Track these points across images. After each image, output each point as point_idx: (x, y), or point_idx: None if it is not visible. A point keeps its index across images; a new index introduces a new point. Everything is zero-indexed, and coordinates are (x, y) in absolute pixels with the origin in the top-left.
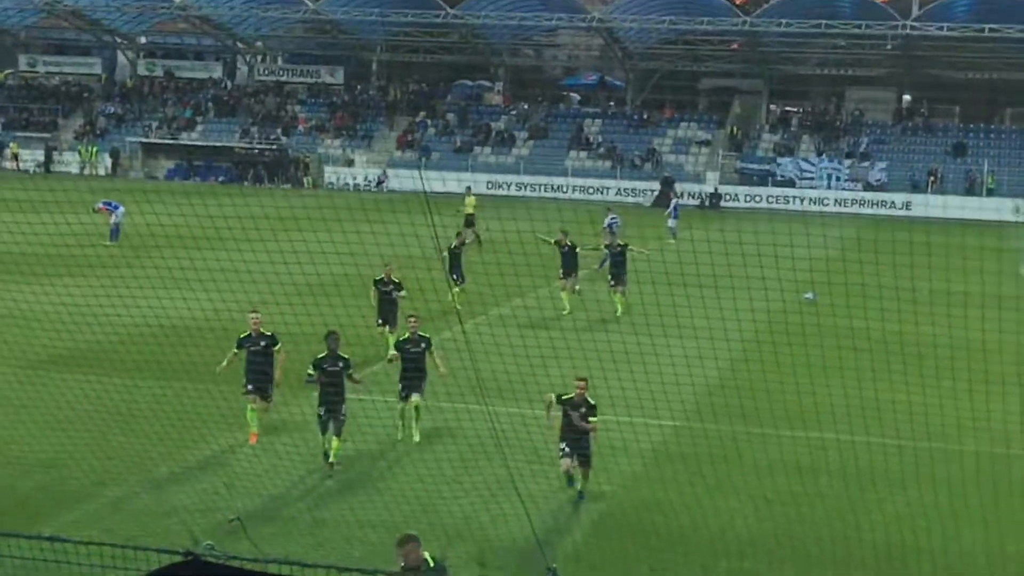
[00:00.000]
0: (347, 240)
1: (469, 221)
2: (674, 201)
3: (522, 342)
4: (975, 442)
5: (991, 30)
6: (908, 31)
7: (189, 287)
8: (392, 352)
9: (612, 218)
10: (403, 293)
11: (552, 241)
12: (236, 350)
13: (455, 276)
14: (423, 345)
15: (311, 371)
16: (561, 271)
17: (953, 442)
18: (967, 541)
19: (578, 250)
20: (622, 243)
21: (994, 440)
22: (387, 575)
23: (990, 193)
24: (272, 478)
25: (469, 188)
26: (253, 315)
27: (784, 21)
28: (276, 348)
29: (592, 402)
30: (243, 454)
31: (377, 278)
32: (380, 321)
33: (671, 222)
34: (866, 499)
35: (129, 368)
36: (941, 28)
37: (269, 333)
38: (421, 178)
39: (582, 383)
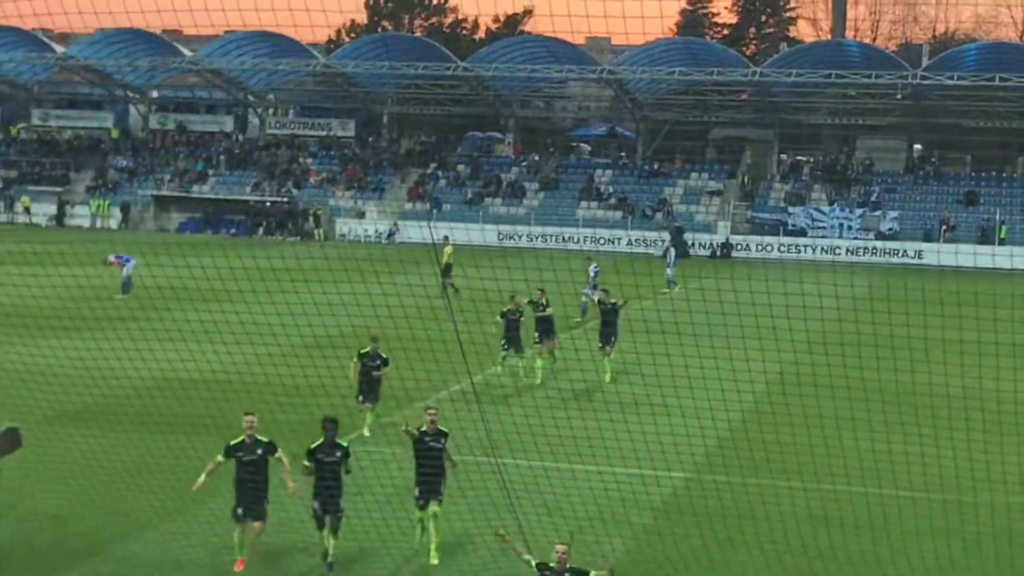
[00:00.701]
0: (355, 293)
1: (446, 271)
2: (671, 249)
3: (531, 395)
4: (990, 494)
5: (1001, 79)
6: (918, 80)
7: (198, 341)
8: (367, 429)
9: (595, 268)
10: (387, 370)
11: (500, 314)
12: (222, 459)
13: (509, 346)
14: (442, 441)
15: (306, 462)
16: (536, 334)
17: (968, 494)
18: None
19: (549, 310)
20: (615, 300)
21: (1009, 491)
22: None
23: (1002, 243)
24: (274, 538)
25: (447, 238)
26: (248, 418)
27: (794, 71)
28: (276, 456)
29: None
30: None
31: (363, 351)
32: (360, 398)
33: (669, 271)
34: (879, 552)
35: (139, 423)
36: (951, 77)
37: (266, 440)
38: (431, 228)
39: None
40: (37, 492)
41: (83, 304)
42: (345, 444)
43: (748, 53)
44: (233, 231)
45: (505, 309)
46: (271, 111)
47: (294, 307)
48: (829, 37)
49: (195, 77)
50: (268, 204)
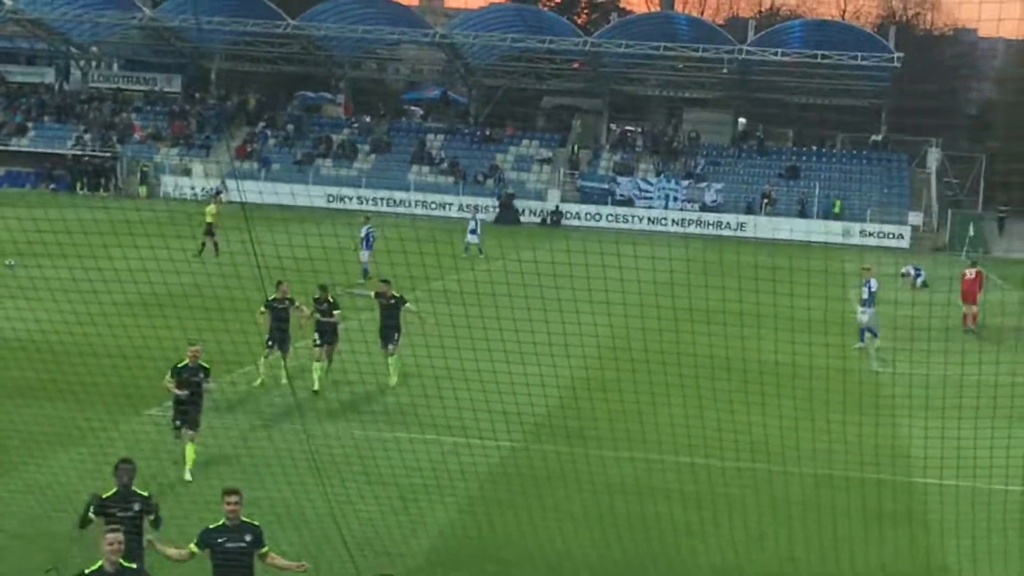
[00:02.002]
0: (182, 252)
1: (209, 230)
2: (476, 216)
3: (355, 361)
4: (799, 464)
5: (823, 56)
6: (744, 55)
7: (15, 299)
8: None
9: (369, 229)
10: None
11: (264, 304)
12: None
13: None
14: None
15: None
16: (316, 337)
17: (778, 463)
18: (802, 564)
19: (336, 314)
20: (397, 294)
21: (817, 463)
22: None
23: (836, 218)
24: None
25: (218, 194)
26: (193, 347)
27: (624, 42)
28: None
29: (207, 365)
30: (65, 477)
31: (271, 298)
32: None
33: (471, 237)
34: (695, 521)
35: None
36: (776, 53)
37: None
38: (239, 191)
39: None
40: None
41: None
42: (145, 494)
43: (580, 23)
44: (53, 186)
45: (271, 298)
46: (94, 64)
47: (117, 264)
48: (659, 9)
49: (15, 26)
50: (87, 159)
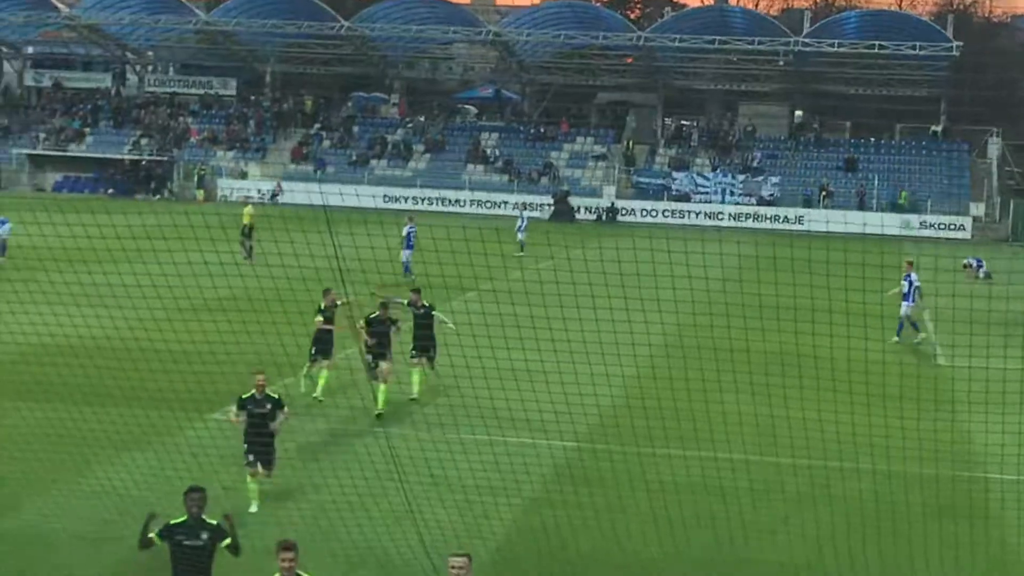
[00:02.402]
0: (234, 253)
1: (246, 231)
2: (523, 214)
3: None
4: (872, 460)
5: (880, 47)
6: (799, 47)
7: (77, 305)
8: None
9: (411, 228)
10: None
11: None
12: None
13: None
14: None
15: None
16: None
17: (849, 459)
18: (873, 560)
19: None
20: (427, 303)
21: (891, 459)
22: None
23: (902, 209)
24: (171, 507)
25: (249, 199)
26: (259, 376)
27: (678, 36)
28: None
29: (276, 396)
30: (131, 481)
31: (322, 306)
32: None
33: (520, 235)
34: (766, 519)
35: (13, 392)
36: (832, 45)
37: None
38: (320, 192)
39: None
40: None
41: None
42: (214, 522)
43: (633, 17)
44: (111, 190)
45: (322, 306)
46: (150, 68)
47: (180, 268)
48: (713, 2)
49: (71, 32)
50: (145, 163)
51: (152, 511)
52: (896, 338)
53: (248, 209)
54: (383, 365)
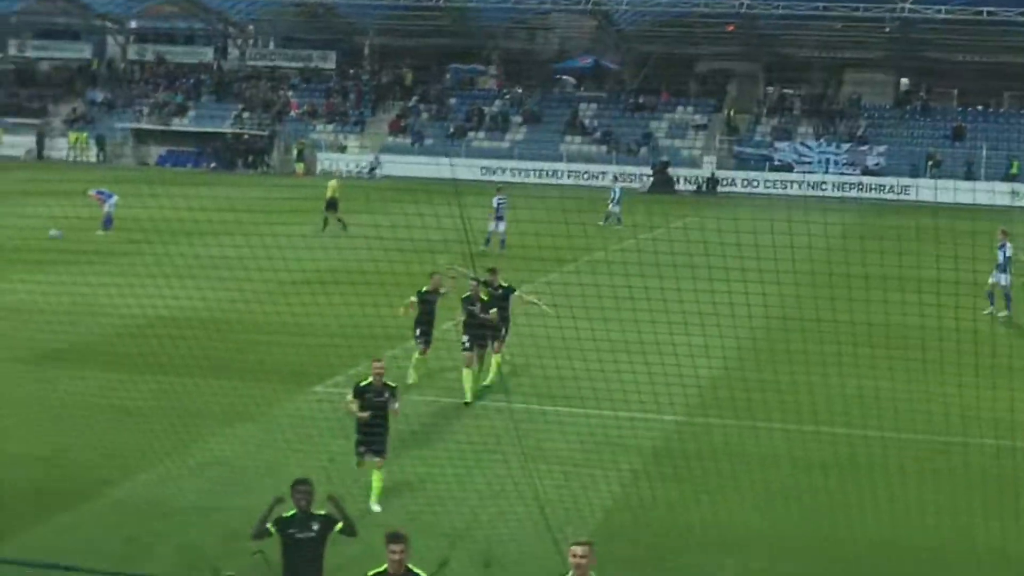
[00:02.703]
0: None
1: (331, 205)
2: (618, 186)
3: (529, 331)
4: (980, 434)
5: (988, 13)
6: (906, 14)
7: (182, 277)
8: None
9: (500, 199)
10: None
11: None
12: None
13: (421, 336)
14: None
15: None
16: (465, 337)
17: (957, 434)
18: (980, 537)
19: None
20: (505, 284)
21: (999, 432)
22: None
23: (1013, 179)
24: (275, 478)
25: (331, 173)
26: (377, 363)
27: (781, 3)
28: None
29: (393, 384)
30: (240, 450)
31: (423, 290)
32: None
33: (613, 207)
34: (867, 495)
35: (125, 363)
36: (939, 11)
37: (393, 384)
38: (451, 164)
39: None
40: (25, 434)
41: (67, 239)
42: (322, 513)
43: None
44: (213, 164)
45: (423, 289)
46: (251, 42)
47: (280, 241)
48: None
49: (173, 7)
50: (247, 137)
51: (280, 496)
52: (991, 309)
53: (332, 183)
54: (477, 351)
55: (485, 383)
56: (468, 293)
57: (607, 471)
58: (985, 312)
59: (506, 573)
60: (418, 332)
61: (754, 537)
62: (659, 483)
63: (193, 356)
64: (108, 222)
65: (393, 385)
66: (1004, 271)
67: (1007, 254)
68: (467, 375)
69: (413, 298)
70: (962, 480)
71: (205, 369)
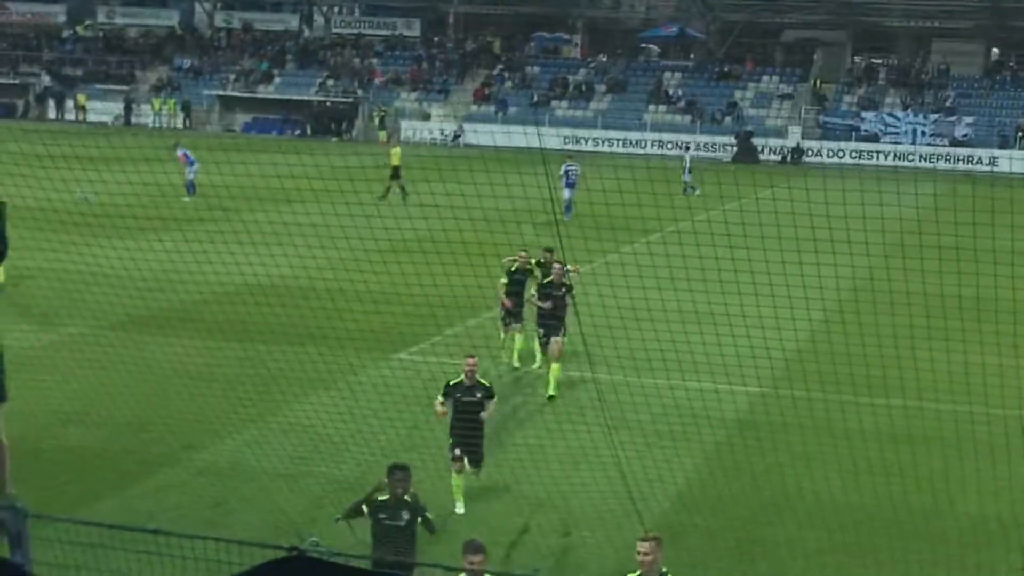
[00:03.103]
0: (421, 196)
1: (395, 174)
2: (687, 155)
3: (601, 302)
4: None
5: None
6: None
7: (268, 244)
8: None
9: (569, 166)
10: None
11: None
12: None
13: (509, 319)
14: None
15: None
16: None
17: None
18: None
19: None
20: (566, 281)
21: None
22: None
23: None
24: (359, 445)
25: (396, 140)
26: (470, 360)
27: None
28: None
29: (487, 383)
30: (324, 417)
31: (512, 269)
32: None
33: (685, 177)
34: (957, 470)
35: (213, 329)
36: None
37: (486, 383)
38: (538, 135)
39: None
40: (112, 398)
41: (150, 206)
42: (416, 502)
43: None
44: (298, 132)
45: (513, 267)
46: (336, 9)
47: (364, 210)
48: None
49: None
50: (331, 105)
51: (382, 479)
52: None
53: (396, 150)
54: (555, 340)
55: (549, 393)
56: (550, 278)
57: (691, 442)
58: None
59: (586, 540)
60: (506, 314)
61: (838, 510)
62: (743, 454)
63: (278, 323)
64: (191, 188)
65: (487, 384)
66: None
67: None
68: (554, 368)
69: (504, 280)
70: None
71: (290, 336)
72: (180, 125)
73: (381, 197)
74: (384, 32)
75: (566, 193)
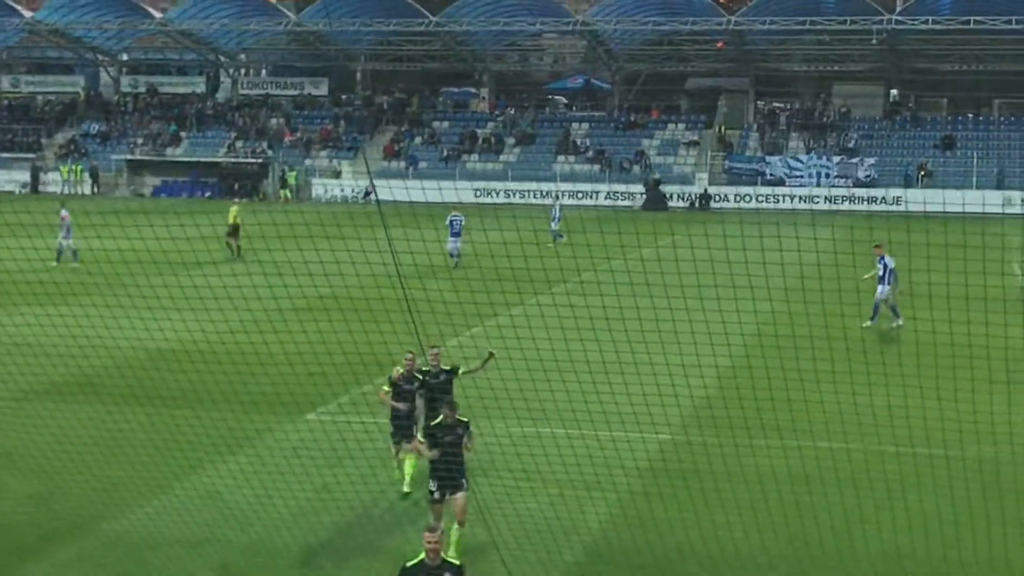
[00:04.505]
0: (331, 256)
1: (233, 230)
2: (556, 204)
3: (507, 354)
4: (977, 447)
5: (976, 22)
6: (893, 25)
7: (172, 310)
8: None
9: (454, 216)
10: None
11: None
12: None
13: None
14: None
15: None
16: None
17: (954, 447)
18: (967, 548)
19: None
20: (448, 366)
21: (998, 443)
22: None
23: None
24: (267, 508)
25: (235, 199)
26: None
27: (768, 19)
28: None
29: (465, 419)
30: (232, 482)
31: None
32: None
33: (553, 225)
34: (863, 508)
35: (117, 396)
36: (926, 21)
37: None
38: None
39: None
40: (14, 471)
41: (55, 271)
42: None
43: (722, 1)
44: (208, 193)
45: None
46: (243, 71)
47: (267, 269)
48: None
49: (165, 38)
50: (239, 166)
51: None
52: (869, 322)
53: (234, 209)
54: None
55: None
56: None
57: (604, 491)
58: (893, 327)
59: None
60: (392, 429)
61: (745, 554)
62: (657, 501)
63: (184, 388)
64: (71, 253)
65: (465, 420)
66: (885, 283)
67: (889, 267)
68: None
69: (386, 388)
70: (958, 490)
71: (196, 401)
72: (88, 191)
73: (232, 255)
74: (292, 92)
75: (451, 243)
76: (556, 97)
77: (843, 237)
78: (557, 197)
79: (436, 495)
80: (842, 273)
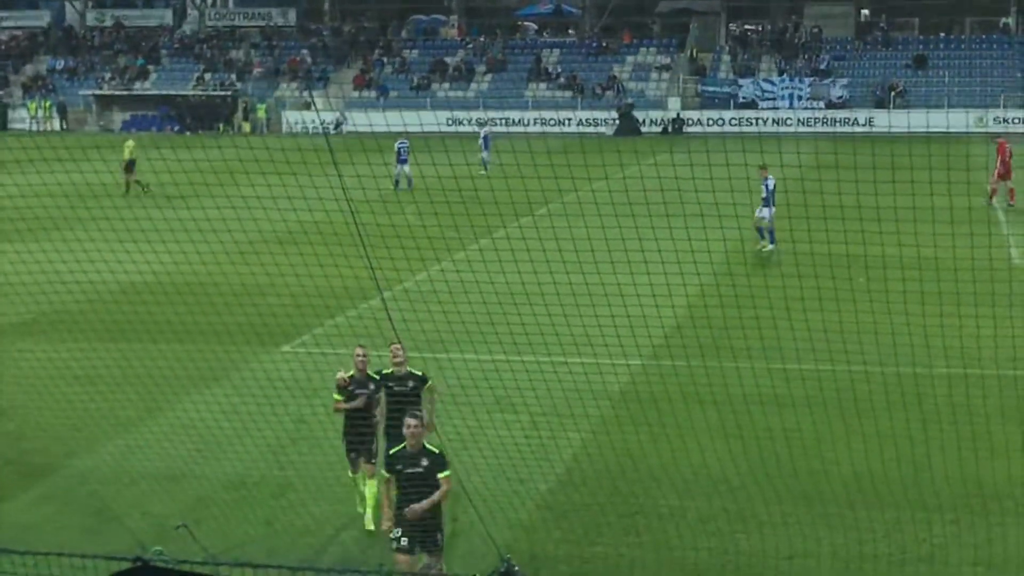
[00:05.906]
0: (302, 186)
1: (129, 167)
2: (484, 131)
3: (490, 285)
4: (946, 364)
5: None
6: None
7: (144, 243)
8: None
9: (401, 143)
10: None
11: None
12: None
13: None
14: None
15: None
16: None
17: (923, 366)
18: (937, 468)
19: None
20: (419, 371)
21: (967, 361)
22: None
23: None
24: (244, 441)
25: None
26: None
27: None
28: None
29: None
30: (210, 415)
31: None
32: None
33: (484, 154)
34: (834, 429)
35: (90, 332)
36: None
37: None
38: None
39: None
40: None
41: (24, 208)
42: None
43: None
44: (177, 128)
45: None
46: (209, 2)
47: (236, 203)
48: None
49: None
50: (204, 98)
51: None
52: (770, 246)
53: (129, 143)
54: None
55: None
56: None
57: (577, 419)
58: (759, 248)
59: (473, 524)
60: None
61: (718, 477)
62: (629, 428)
63: (158, 322)
64: None
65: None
66: (767, 205)
67: (769, 188)
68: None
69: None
70: (930, 410)
71: (170, 334)
72: (57, 127)
73: (124, 192)
74: (259, 23)
75: (397, 168)
76: (526, 23)
77: (810, 163)
78: (484, 124)
79: (404, 544)
80: (824, 189)
